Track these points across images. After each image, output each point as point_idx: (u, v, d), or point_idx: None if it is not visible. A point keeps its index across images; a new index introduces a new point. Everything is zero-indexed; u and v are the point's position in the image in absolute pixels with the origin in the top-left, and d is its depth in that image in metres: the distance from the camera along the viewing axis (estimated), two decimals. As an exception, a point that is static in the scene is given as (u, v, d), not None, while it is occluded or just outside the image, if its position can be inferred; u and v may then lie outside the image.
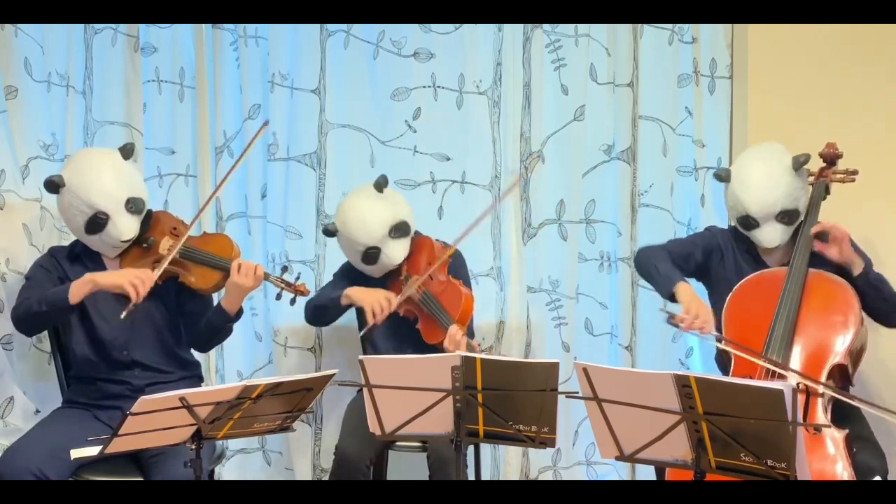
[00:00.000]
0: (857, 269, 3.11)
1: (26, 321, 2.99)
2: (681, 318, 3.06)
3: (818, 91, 3.78)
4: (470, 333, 3.35)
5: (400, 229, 3.36)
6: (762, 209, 3.18)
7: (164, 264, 2.99)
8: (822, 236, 3.15)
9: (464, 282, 3.41)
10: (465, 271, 3.52)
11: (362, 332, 3.35)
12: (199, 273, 3.07)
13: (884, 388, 3.60)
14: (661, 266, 3.24)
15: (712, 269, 3.34)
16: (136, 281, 2.90)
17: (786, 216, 3.19)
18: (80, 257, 3.10)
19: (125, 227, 3.01)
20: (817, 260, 3.17)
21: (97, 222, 3.00)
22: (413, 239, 3.43)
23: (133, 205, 3.03)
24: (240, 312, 3.13)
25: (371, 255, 3.35)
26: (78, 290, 2.92)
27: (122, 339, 3.05)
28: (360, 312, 3.37)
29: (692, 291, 3.15)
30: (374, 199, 3.37)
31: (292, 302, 3.15)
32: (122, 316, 2.90)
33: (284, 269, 3.19)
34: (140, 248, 3.09)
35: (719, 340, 3.09)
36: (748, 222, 3.22)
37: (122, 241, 3.03)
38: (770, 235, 3.21)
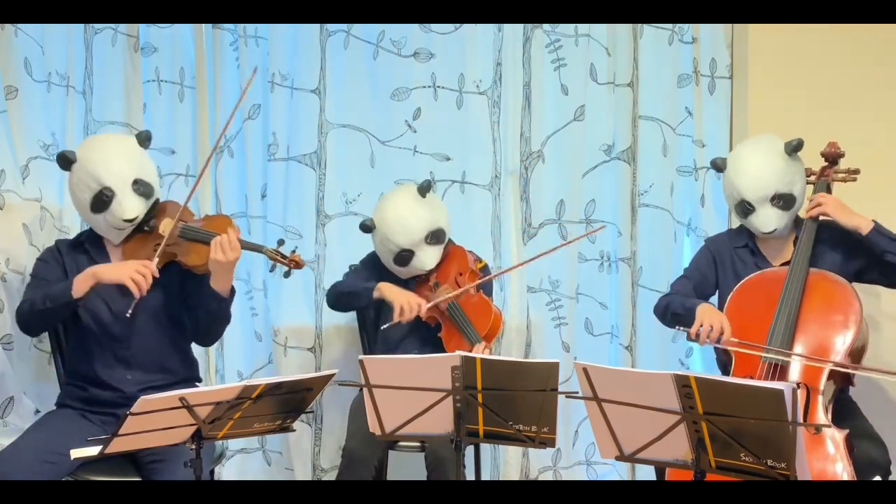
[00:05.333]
0: (865, 229, 3.12)
1: (31, 320, 2.98)
2: (694, 331, 3.06)
3: (818, 91, 3.79)
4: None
5: (437, 236, 3.39)
6: (756, 192, 3.20)
7: (164, 244, 2.97)
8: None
9: (491, 298, 3.44)
10: (491, 286, 3.54)
11: (384, 327, 3.32)
12: (195, 250, 3.02)
13: (884, 387, 3.60)
14: (675, 305, 3.25)
15: (719, 277, 3.35)
16: (137, 275, 2.88)
17: (780, 200, 3.20)
18: (83, 244, 3.09)
19: (129, 205, 2.98)
20: (819, 259, 3.17)
21: (103, 199, 2.98)
22: (446, 246, 3.45)
23: (140, 186, 3.01)
24: (232, 292, 3.07)
25: (404, 257, 3.36)
26: (80, 284, 2.90)
27: (125, 332, 3.02)
28: (383, 308, 3.38)
29: (706, 306, 3.14)
30: (416, 202, 3.38)
31: (286, 275, 3.11)
32: (129, 314, 2.89)
33: (281, 241, 3.09)
34: (142, 233, 3.07)
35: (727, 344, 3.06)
36: (744, 208, 3.24)
37: (125, 221, 2.99)
38: (766, 220, 3.21)
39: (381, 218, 3.38)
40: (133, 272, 2.89)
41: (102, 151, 3.03)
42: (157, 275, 2.93)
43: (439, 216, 3.42)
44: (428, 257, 3.38)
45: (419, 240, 3.35)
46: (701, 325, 3.06)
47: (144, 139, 3.11)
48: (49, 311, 2.94)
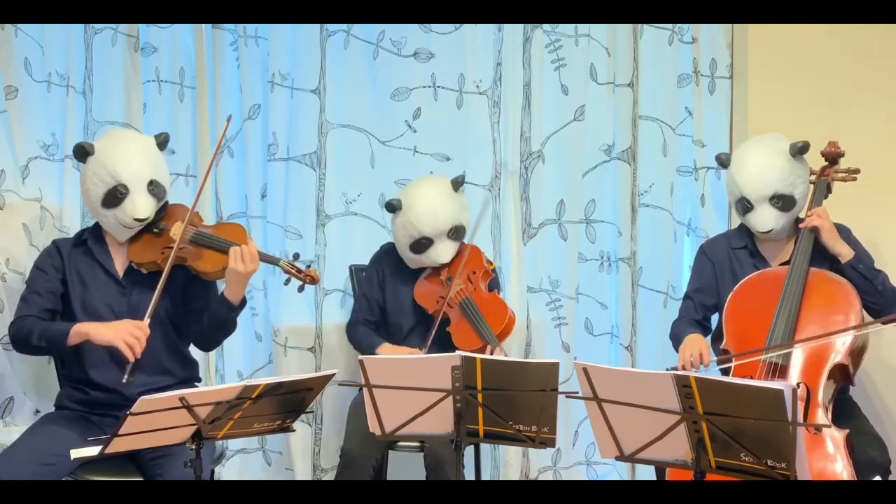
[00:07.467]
0: (844, 259, 3.14)
1: (24, 348, 2.98)
2: (680, 366, 3.07)
3: (818, 91, 3.79)
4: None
5: (458, 232, 3.41)
6: (755, 191, 3.20)
7: (176, 248, 2.97)
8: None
9: None
10: (498, 287, 3.54)
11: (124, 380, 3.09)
12: (208, 257, 3.02)
13: (884, 387, 3.60)
14: (675, 337, 3.28)
15: (719, 281, 3.35)
16: (131, 339, 2.83)
17: (780, 200, 3.19)
18: (86, 242, 3.08)
19: (142, 205, 2.98)
20: (819, 259, 3.17)
21: (116, 195, 2.97)
22: (460, 244, 3.46)
23: (155, 187, 3.01)
24: (243, 302, 3.07)
25: (422, 244, 3.37)
26: (73, 338, 2.89)
27: None
28: (391, 320, 3.44)
29: (687, 340, 3.15)
30: (449, 194, 3.41)
31: (300, 289, 3.09)
32: (124, 381, 2.82)
33: (296, 255, 3.11)
34: (151, 234, 3.06)
35: (719, 363, 3.07)
36: (744, 205, 3.25)
37: (136, 220, 2.99)
38: (763, 219, 3.21)
39: (410, 201, 3.39)
40: (125, 335, 2.84)
41: (122, 148, 3.03)
42: (149, 335, 2.88)
43: (464, 214, 3.45)
44: (445, 250, 3.39)
45: (442, 231, 3.36)
46: (682, 359, 3.07)
47: (162, 142, 3.12)
48: (43, 349, 2.97)
